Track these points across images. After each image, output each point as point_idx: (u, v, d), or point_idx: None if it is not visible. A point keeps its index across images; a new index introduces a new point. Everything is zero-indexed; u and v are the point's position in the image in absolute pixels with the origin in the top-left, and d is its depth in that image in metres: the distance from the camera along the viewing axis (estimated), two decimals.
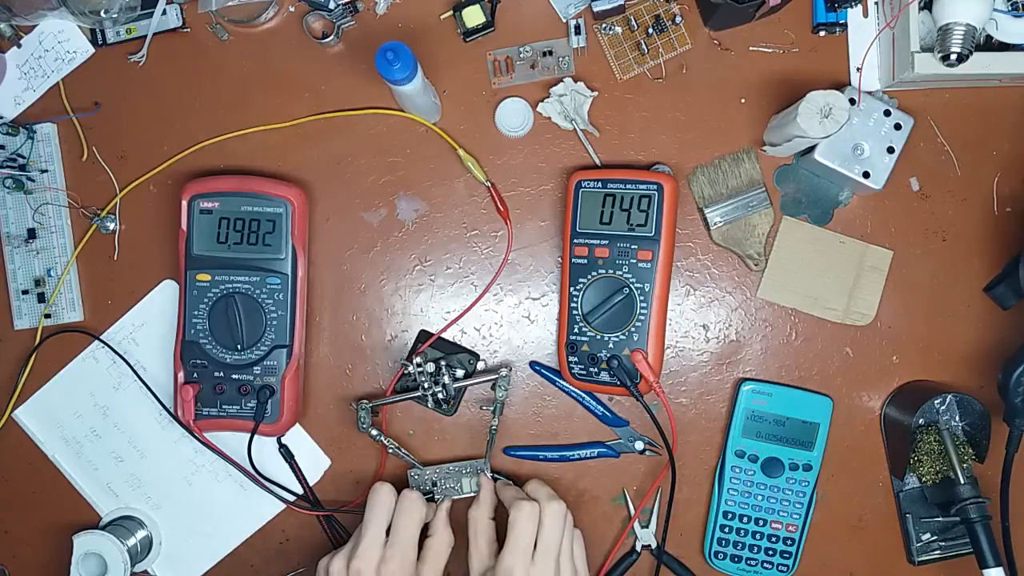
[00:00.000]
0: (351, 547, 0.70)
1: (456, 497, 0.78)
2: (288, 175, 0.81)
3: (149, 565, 0.82)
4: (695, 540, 0.81)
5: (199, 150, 0.81)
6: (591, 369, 0.76)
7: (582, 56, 0.80)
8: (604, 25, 0.79)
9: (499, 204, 0.80)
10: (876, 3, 0.78)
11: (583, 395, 0.80)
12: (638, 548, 0.80)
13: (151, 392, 0.80)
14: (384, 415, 0.80)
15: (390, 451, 0.79)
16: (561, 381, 0.80)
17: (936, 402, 0.77)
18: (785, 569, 0.79)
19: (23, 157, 0.80)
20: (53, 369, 0.82)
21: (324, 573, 0.70)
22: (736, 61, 0.80)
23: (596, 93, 0.79)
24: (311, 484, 0.81)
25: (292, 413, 0.77)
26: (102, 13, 0.77)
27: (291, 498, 0.80)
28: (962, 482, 0.74)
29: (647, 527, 0.80)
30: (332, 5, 0.76)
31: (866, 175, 0.74)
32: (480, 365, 0.80)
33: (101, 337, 0.81)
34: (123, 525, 0.81)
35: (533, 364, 0.81)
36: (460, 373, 0.78)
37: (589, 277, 0.76)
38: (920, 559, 0.79)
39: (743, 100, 0.80)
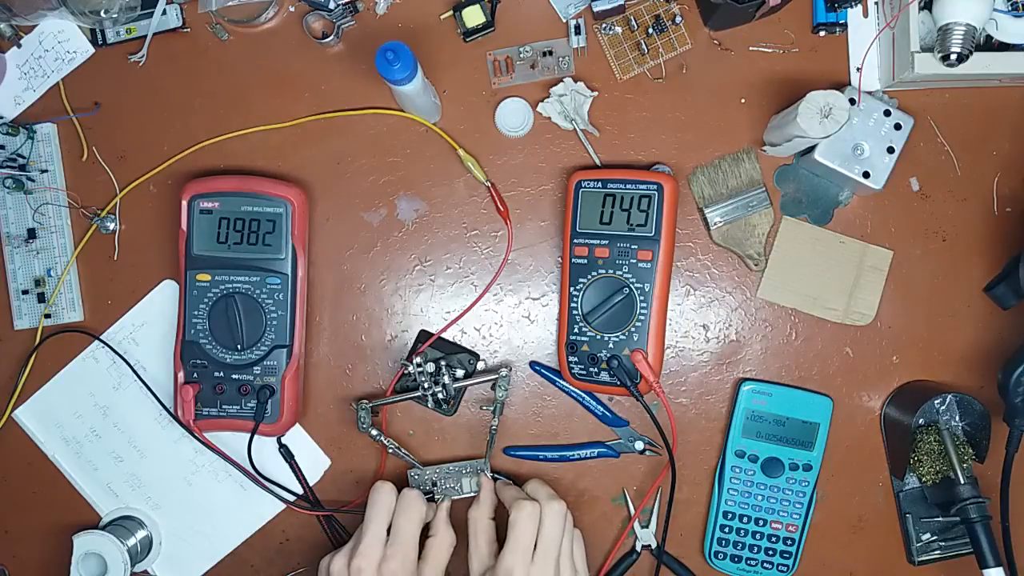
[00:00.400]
0: (352, 546, 0.70)
1: (456, 497, 0.78)
2: (288, 175, 0.81)
3: (149, 565, 0.82)
4: (695, 540, 0.81)
5: (199, 150, 0.81)
6: (591, 369, 0.76)
7: (582, 56, 0.80)
8: (604, 25, 0.79)
9: (499, 204, 0.80)
10: (876, 3, 0.78)
11: (583, 395, 0.80)
12: (638, 548, 0.80)
13: (151, 392, 0.80)
14: (384, 415, 0.80)
15: (390, 451, 0.79)
16: (561, 381, 0.80)
17: (936, 402, 0.77)
18: (785, 569, 0.79)
19: (23, 157, 0.80)
20: (53, 369, 0.82)
21: (325, 572, 0.70)
22: (736, 61, 0.80)
23: (596, 93, 0.79)
24: (311, 484, 0.81)
25: (292, 413, 0.77)
26: (102, 13, 0.77)
27: (291, 498, 0.80)
28: (962, 482, 0.74)
29: (647, 527, 0.80)
30: (332, 5, 0.76)
31: (866, 175, 0.74)
32: (480, 365, 0.80)
33: (101, 337, 0.81)
34: (123, 525, 0.81)
35: (533, 364, 0.81)
36: (460, 373, 0.78)
37: (589, 277, 0.76)
38: (920, 559, 0.80)
39: (743, 100, 0.80)
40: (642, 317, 0.75)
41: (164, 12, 0.79)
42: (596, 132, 0.80)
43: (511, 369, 0.80)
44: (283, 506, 0.81)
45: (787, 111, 0.73)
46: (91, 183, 0.81)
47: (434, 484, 0.79)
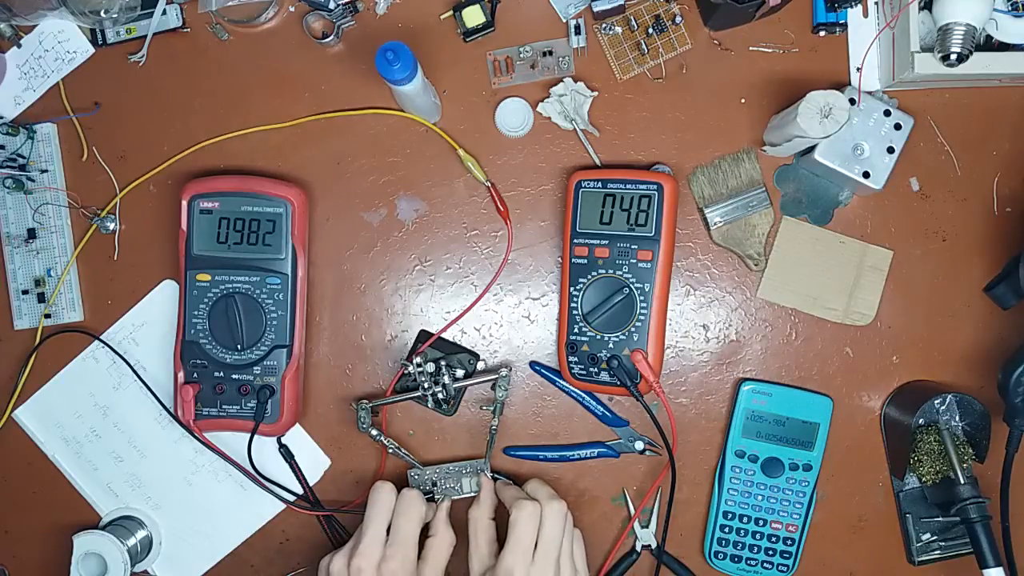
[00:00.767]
0: (352, 546, 0.70)
1: (456, 497, 0.78)
2: (288, 175, 0.81)
3: (149, 565, 0.82)
4: (695, 540, 0.81)
5: (199, 150, 0.81)
6: (591, 369, 0.76)
7: (582, 56, 0.80)
8: (604, 25, 0.79)
9: (499, 204, 0.80)
10: (876, 3, 0.78)
11: (583, 395, 0.80)
12: (638, 548, 0.80)
13: (151, 392, 0.80)
14: (384, 415, 0.80)
15: (390, 451, 0.79)
16: (561, 381, 0.80)
17: (936, 402, 0.77)
18: (785, 569, 0.79)
19: (23, 157, 0.80)
20: (53, 369, 0.82)
21: (325, 572, 0.70)
22: (736, 61, 0.80)
23: (596, 93, 0.79)
24: (311, 484, 0.81)
25: (292, 413, 0.77)
26: (102, 13, 0.77)
27: (291, 498, 0.80)
28: (962, 482, 0.74)
29: (647, 527, 0.80)
30: (332, 5, 0.76)
31: (866, 175, 0.74)
32: (480, 365, 0.80)
33: (101, 337, 0.81)
34: (123, 525, 0.81)
35: (533, 364, 0.81)
36: (460, 373, 0.78)
37: (589, 277, 0.76)
38: (920, 559, 0.80)
39: (743, 100, 0.80)
40: (642, 317, 0.75)
41: (164, 12, 0.79)
42: (596, 132, 0.80)
43: (511, 369, 0.80)
44: (283, 506, 0.81)
45: (787, 111, 0.73)
46: (91, 183, 0.81)
47: (434, 484, 0.79)
